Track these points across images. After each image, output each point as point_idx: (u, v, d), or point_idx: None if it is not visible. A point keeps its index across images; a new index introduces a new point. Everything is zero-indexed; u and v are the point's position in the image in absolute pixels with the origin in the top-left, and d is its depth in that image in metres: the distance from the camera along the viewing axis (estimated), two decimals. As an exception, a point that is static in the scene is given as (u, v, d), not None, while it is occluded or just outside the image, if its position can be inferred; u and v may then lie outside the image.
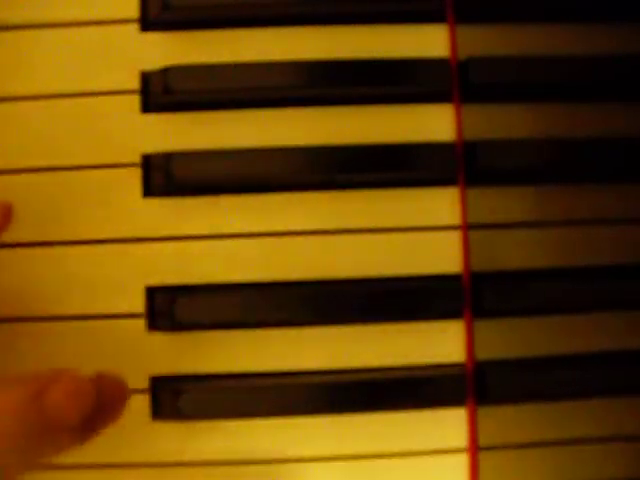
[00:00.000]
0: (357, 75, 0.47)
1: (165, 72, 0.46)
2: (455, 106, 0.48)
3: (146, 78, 0.47)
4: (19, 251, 0.46)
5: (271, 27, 0.48)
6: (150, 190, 0.47)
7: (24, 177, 0.47)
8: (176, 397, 0.45)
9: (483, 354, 0.47)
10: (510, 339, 0.47)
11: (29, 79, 0.47)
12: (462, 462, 0.47)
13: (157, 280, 0.47)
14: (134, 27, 0.48)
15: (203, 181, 0.46)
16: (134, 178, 0.47)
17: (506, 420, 0.47)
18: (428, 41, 0.48)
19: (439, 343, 0.47)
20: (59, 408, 0.34)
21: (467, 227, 0.47)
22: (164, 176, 0.46)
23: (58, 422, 0.34)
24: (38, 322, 0.46)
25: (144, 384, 0.46)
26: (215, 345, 0.47)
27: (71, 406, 0.34)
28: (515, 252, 0.47)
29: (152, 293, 0.46)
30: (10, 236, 0.46)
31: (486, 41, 0.48)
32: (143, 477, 0.46)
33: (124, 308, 0.46)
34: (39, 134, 0.47)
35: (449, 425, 0.47)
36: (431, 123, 0.48)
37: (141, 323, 0.46)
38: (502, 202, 0.48)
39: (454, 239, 0.47)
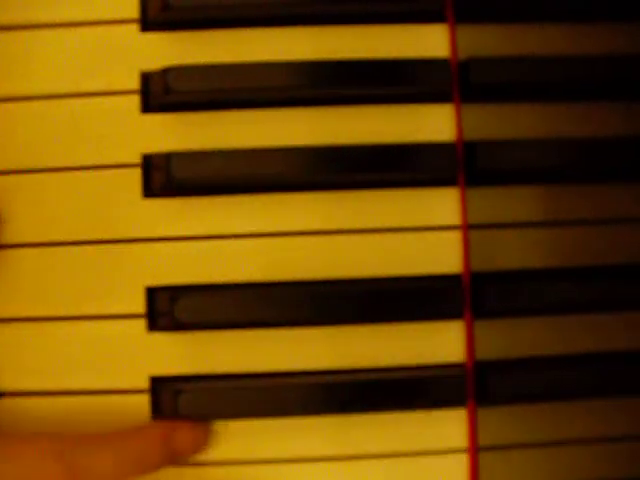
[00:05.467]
0: (357, 75, 0.47)
1: (165, 72, 0.46)
2: (455, 106, 0.48)
3: (146, 78, 0.47)
4: (19, 251, 0.46)
5: (271, 27, 0.48)
6: (150, 190, 0.47)
7: (24, 177, 0.47)
8: (176, 397, 0.45)
9: (483, 354, 0.47)
10: (510, 339, 0.47)
11: (29, 79, 0.47)
12: (462, 462, 0.47)
13: (157, 280, 0.47)
14: (134, 27, 0.48)
15: (203, 181, 0.46)
16: (134, 178, 0.47)
17: (506, 420, 0.47)
18: (428, 41, 0.48)
19: (439, 343, 0.47)
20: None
21: (467, 227, 0.47)
22: (164, 176, 0.46)
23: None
24: (38, 322, 0.46)
25: (144, 384, 0.46)
26: (215, 345, 0.47)
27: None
28: (515, 252, 0.47)
29: (152, 293, 0.46)
30: (11, 237, 0.47)
31: (486, 41, 0.48)
32: (143, 477, 0.45)
33: (124, 308, 0.46)
34: (39, 134, 0.47)
35: (449, 425, 0.47)
36: (431, 123, 0.48)
37: (141, 323, 0.46)
38: (502, 202, 0.48)
39: (454, 239, 0.47)
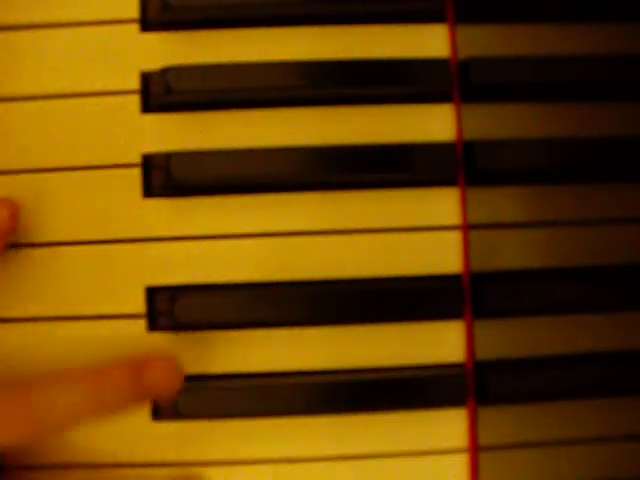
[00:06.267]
0: (357, 75, 0.47)
1: (165, 72, 0.46)
2: (455, 106, 0.48)
3: (146, 78, 0.47)
4: (18, 252, 0.46)
5: (271, 27, 0.48)
6: (150, 190, 0.47)
7: (24, 177, 0.47)
8: (176, 397, 0.45)
9: (483, 354, 0.47)
10: (510, 339, 0.47)
11: (29, 79, 0.47)
12: (462, 462, 0.47)
13: (157, 280, 0.47)
14: (134, 27, 0.48)
15: (203, 181, 0.46)
16: (134, 178, 0.47)
17: (506, 420, 0.47)
18: (428, 41, 0.48)
19: (439, 343, 0.47)
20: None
21: (467, 227, 0.47)
22: (164, 176, 0.46)
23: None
24: (38, 322, 0.47)
25: (144, 384, 0.46)
26: (215, 345, 0.47)
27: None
28: (515, 252, 0.47)
29: (152, 293, 0.46)
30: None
31: (486, 41, 0.48)
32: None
33: (124, 308, 0.46)
34: (39, 134, 0.47)
35: (449, 425, 0.47)
36: (431, 123, 0.48)
37: (141, 323, 0.47)
38: (502, 202, 0.48)
39: (454, 239, 0.47)
